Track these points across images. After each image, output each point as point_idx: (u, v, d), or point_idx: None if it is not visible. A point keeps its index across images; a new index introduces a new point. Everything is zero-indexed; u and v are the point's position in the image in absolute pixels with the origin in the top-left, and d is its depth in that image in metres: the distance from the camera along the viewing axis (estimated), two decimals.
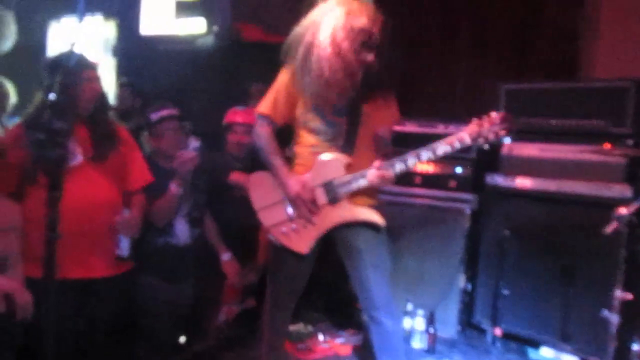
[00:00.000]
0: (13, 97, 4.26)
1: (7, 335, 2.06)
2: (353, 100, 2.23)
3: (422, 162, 2.21)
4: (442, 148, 2.16)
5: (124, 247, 2.33)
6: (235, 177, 3.07)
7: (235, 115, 3.22)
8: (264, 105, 2.34)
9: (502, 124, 2.14)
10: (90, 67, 2.36)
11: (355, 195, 2.25)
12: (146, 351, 2.77)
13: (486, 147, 2.20)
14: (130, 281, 2.45)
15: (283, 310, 2.40)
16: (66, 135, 1.72)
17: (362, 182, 2.20)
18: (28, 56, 5.82)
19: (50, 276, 1.59)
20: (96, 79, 2.37)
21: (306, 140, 2.30)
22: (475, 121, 2.18)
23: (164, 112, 2.88)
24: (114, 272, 2.38)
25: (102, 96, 2.40)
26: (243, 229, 3.05)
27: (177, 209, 2.81)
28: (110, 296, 2.38)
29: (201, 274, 3.01)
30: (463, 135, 2.16)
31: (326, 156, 2.24)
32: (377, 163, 2.17)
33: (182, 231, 2.88)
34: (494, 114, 2.17)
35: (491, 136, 2.14)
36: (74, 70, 2.22)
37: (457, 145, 2.16)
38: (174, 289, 2.85)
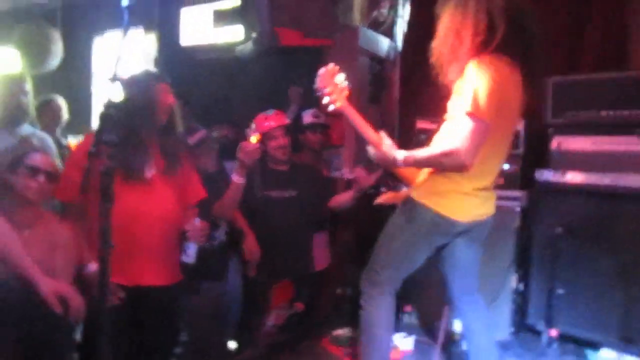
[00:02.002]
0: (65, 114, 4.44)
1: (67, 335, 2.21)
2: None
3: None
4: None
5: (191, 253, 2.41)
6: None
7: (268, 120, 3.21)
8: None
9: None
10: (163, 81, 2.45)
11: None
12: (196, 357, 2.83)
13: None
14: (182, 291, 2.51)
15: None
16: (116, 148, 1.81)
17: None
18: (74, 71, 6.08)
19: (104, 285, 1.65)
20: (169, 92, 2.45)
21: None
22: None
23: (197, 137, 2.99)
24: (170, 282, 2.46)
25: (173, 109, 2.47)
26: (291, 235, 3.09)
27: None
28: (162, 305, 2.44)
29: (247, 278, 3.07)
30: None
31: None
32: None
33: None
34: None
35: None
36: (149, 84, 2.37)
37: None
38: (218, 288, 2.92)
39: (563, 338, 3.07)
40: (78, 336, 2.45)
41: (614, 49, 3.61)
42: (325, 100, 2.33)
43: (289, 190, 3.21)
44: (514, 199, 3.25)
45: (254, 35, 3.95)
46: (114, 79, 1.68)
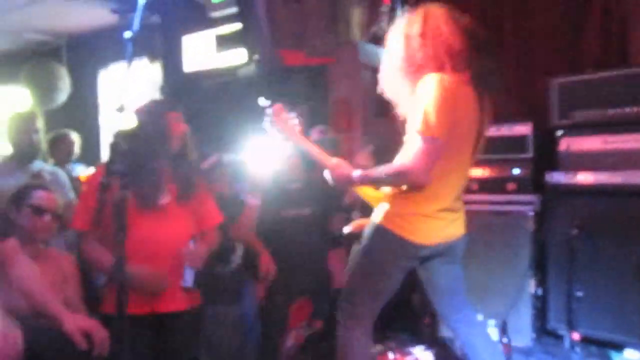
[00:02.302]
0: (78, 148, 4.51)
1: None
2: None
3: None
4: None
5: (188, 278, 2.43)
6: None
7: None
8: None
9: None
10: (174, 109, 2.49)
11: None
12: None
13: None
14: (200, 315, 2.52)
15: None
16: (129, 176, 1.85)
17: None
18: (82, 105, 6.18)
19: (122, 315, 1.67)
20: (180, 119, 2.49)
21: None
22: None
23: (211, 162, 3.08)
24: (185, 307, 2.46)
25: (186, 136, 2.50)
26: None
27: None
28: (182, 330, 2.44)
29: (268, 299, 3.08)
30: None
31: None
32: None
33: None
34: None
35: None
36: (161, 113, 2.41)
37: None
38: (235, 311, 2.93)
39: (585, 341, 3.04)
40: None
41: (614, 46, 3.62)
42: (276, 139, 2.38)
43: (304, 208, 3.23)
44: (527, 203, 3.25)
45: (256, 57, 4.00)
46: (122, 109, 1.71)
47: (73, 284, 2.53)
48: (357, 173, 2.21)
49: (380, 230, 2.19)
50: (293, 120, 2.39)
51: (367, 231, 2.26)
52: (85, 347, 2.00)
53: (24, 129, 3.35)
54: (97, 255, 2.31)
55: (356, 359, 2.24)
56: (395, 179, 2.10)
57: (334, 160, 2.28)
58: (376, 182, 2.23)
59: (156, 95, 5.30)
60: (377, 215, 2.22)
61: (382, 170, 2.12)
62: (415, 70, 2.12)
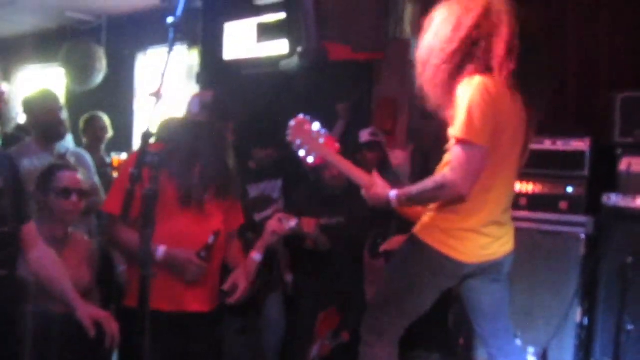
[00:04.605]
0: (109, 131, 4.53)
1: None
2: None
3: None
4: None
5: None
6: None
7: None
8: None
9: None
10: (230, 120, 2.52)
11: None
12: None
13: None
14: (222, 319, 2.47)
15: None
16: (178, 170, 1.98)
17: None
18: (117, 88, 6.23)
19: (144, 313, 1.63)
20: (231, 131, 2.51)
21: None
22: None
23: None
24: (210, 308, 2.44)
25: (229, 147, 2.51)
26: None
27: None
28: (202, 331, 2.42)
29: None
30: None
31: None
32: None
33: None
34: None
35: None
36: (222, 125, 2.42)
37: None
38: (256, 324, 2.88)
39: None
40: None
41: None
42: (302, 153, 2.26)
43: (337, 216, 3.17)
44: (579, 224, 3.12)
45: (299, 49, 3.94)
46: (158, 95, 1.65)
47: (91, 270, 2.59)
48: (394, 193, 2.09)
49: (419, 244, 2.09)
50: (318, 131, 2.27)
51: (405, 245, 2.17)
52: (93, 335, 2.03)
53: (49, 107, 3.33)
54: (127, 237, 2.29)
55: None
56: (434, 193, 1.99)
57: (371, 179, 2.17)
58: (415, 201, 2.11)
59: (192, 83, 5.31)
60: (419, 228, 2.11)
61: (421, 186, 2.02)
62: (456, 67, 2.00)
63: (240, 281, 2.43)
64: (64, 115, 3.38)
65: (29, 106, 3.38)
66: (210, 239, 2.29)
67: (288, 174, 3.56)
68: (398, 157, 3.73)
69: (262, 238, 2.66)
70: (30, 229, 2.08)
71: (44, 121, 3.31)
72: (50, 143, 3.33)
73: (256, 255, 2.66)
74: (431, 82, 2.08)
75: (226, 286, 2.40)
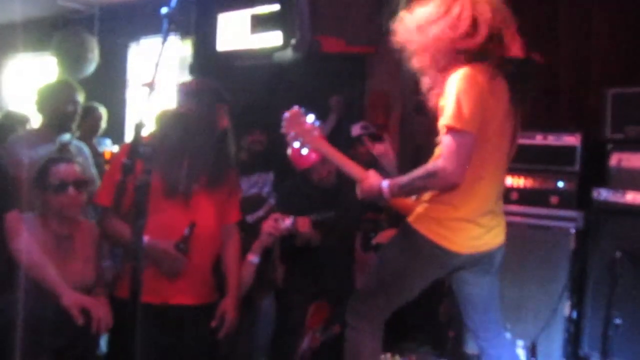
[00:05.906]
0: (104, 122, 4.51)
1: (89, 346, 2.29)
2: None
3: None
4: None
5: None
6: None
7: (308, 155, 3.15)
8: None
9: None
10: (225, 101, 2.47)
11: None
12: None
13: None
14: (213, 312, 2.46)
15: None
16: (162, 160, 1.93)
17: None
18: (109, 78, 6.19)
19: (135, 304, 1.62)
20: (226, 113, 2.47)
21: None
22: None
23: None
24: (201, 302, 2.42)
25: (227, 131, 2.48)
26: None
27: None
28: (189, 326, 2.40)
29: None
30: None
31: None
32: None
33: None
34: None
35: None
36: (212, 101, 2.39)
37: None
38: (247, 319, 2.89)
39: None
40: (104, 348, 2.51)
41: None
42: (296, 144, 2.27)
43: (329, 211, 3.14)
44: (569, 219, 3.15)
45: (292, 41, 3.93)
46: (151, 86, 1.65)
47: (98, 257, 2.57)
48: (386, 183, 2.10)
49: (411, 232, 2.10)
50: (313, 124, 2.28)
51: (398, 232, 2.18)
52: (82, 323, 2.06)
53: (64, 98, 3.30)
54: (119, 229, 2.28)
55: None
56: (426, 181, 2.00)
57: (363, 171, 2.18)
58: (407, 190, 2.10)
59: (185, 74, 5.28)
60: (412, 217, 2.13)
61: (412, 174, 2.03)
62: (448, 56, 2.02)
63: (227, 311, 2.40)
64: (76, 108, 3.36)
65: (43, 94, 3.34)
66: (186, 231, 2.27)
67: (279, 167, 3.55)
68: (379, 148, 3.70)
69: (259, 240, 2.66)
70: (14, 217, 2.07)
71: (51, 111, 3.29)
72: (53, 134, 3.29)
73: (253, 258, 2.67)
74: (430, 56, 2.09)
75: (214, 323, 2.37)
